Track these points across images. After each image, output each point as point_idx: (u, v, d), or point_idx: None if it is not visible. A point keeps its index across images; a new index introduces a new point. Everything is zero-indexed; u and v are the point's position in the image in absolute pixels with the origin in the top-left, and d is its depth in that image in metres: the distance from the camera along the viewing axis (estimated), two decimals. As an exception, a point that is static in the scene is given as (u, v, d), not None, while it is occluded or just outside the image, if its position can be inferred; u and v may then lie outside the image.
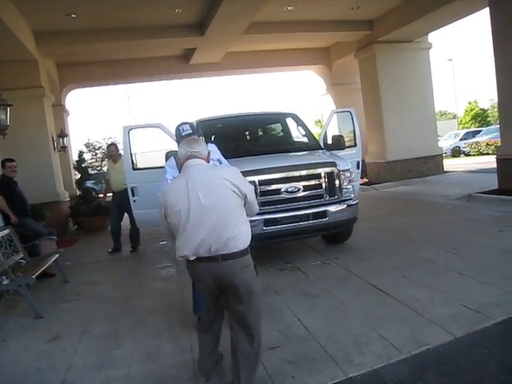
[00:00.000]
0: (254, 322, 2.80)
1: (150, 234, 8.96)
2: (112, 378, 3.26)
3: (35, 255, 6.21)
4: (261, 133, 7.96)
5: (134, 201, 6.45)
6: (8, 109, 6.46)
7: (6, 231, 5.85)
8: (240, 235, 2.68)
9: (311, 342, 3.49)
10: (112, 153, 8.07)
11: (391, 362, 3.06)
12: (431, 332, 3.42)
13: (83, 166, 12.47)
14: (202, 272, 2.75)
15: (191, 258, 2.71)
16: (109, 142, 14.37)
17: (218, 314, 3.03)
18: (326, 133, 6.93)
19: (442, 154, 14.42)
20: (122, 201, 7.35)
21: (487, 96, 41.73)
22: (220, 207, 2.65)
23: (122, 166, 7.43)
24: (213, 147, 4.44)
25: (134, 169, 6.50)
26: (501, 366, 2.89)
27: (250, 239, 2.77)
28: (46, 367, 3.55)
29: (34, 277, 4.89)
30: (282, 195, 5.51)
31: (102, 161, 16.65)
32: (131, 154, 6.47)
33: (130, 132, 6.44)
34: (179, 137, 3.95)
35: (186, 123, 4.02)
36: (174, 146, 6.36)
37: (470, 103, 40.78)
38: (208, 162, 2.94)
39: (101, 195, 8.57)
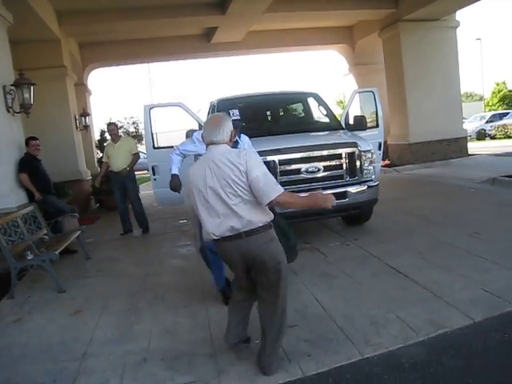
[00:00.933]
0: (283, 291, 2.88)
1: (170, 212, 9.07)
2: (131, 351, 3.34)
3: (58, 232, 6.35)
4: (282, 112, 7.90)
5: (155, 179, 6.51)
6: (31, 88, 6.51)
7: (31, 208, 5.98)
8: (255, 215, 2.74)
9: (328, 321, 3.50)
10: (112, 132, 7.74)
11: (408, 344, 3.05)
12: (450, 315, 3.40)
13: (105, 144, 12.61)
14: (230, 250, 2.84)
15: (215, 237, 2.81)
16: (130, 121, 14.49)
17: (250, 292, 3.06)
18: (347, 113, 6.83)
19: (466, 137, 14.08)
20: (124, 181, 7.37)
21: (516, 77, 40.60)
22: (226, 194, 2.72)
23: (124, 145, 7.44)
24: (245, 139, 4.42)
25: (155, 147, 6.55)
26: (520, 350, 2.86)
27: (270, 214, 2.82)
28: (68, 339, 3.66)
29: (57, 252, 5.01)
30: (302, 175, 5.49)
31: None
32: (152, 133, 6.51)
33: (151, 111, 6.47)
34: None
35: (235, 108, 4.10)
36: (194, 125, 6.39)
37: (497, 84, 39.63)
38: (231, 141, 2.94)
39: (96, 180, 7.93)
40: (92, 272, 5.61)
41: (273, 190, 2.68)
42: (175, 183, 4.70)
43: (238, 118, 4.08)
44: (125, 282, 5.02)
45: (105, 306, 4.32)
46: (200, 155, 3.95)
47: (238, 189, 2.70)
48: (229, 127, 2.89)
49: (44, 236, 5.87)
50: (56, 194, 7.17)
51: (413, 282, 4.14)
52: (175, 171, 4.70)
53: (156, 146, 6.58)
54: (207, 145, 2.90)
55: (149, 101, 28.83)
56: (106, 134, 12.25)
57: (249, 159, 2.71)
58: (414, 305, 3.63)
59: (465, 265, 4.44)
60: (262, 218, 2.77)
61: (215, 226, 2.78)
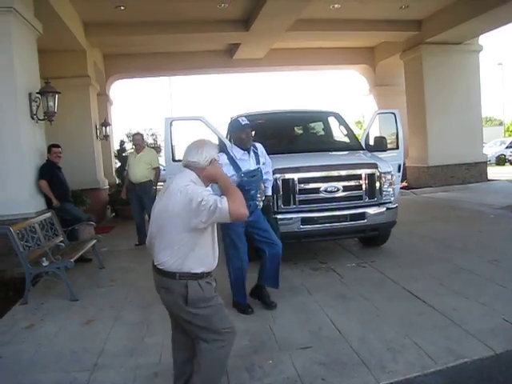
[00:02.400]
0: (208, 363, 2.55)
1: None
2: (142, 365, 3.30)
3: (74, 239, 6.37)
4: (302, 131, 7.89)
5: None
6: (56, 96, 6.61)
7: (48, 214, 6.02)
8: (183, 260, 2.43)
9: (343, 344, 3.42)
10: (137, 142, 7.72)
11: (426, 373, 2.97)
12: (469, 345, 3.30)
13: (124, 154, 12.70)
14: (155, 281, 2.60)
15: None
16: (149, 133, 14.60)
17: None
18: (368, 133, 6.79)
19: (486, 162, 13.92)
20: (142, 194, 7.38)
21: (537, 103, 40.12)
22: (163, 230, 2.46)
23: (145, 157, 7.48)
24: (260, 146, 4.52)
25: (174, 160, 6.57)
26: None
27: (198, 266, 2.47)
28: (79, 349, 3.63)
29: (72, 260, 5.02)
30: (321, 194, 5.44)
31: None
32: (172, 146, 6.54)
33: (172, 123, 6.51)
34: (239, 127, 4.19)
35: (242, 116, 4.24)
36: (214, 139, 6.40)
37: (518, 110, 39.22)
38: (207, 176, 2.54)
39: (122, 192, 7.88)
40: (105, 282, 5.61)
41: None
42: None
43: (248, 122, 4.14)
44: (138, 294, 4.99)
45: (117, 317, 4.29)
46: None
47: (178, 227, 2.39)
48: (211, 154, 2.53)
49: (60, 243, 5.89)
50: (73, 202, 7.23)
51: (430, 307, 4.05)
52: None
53: (175, 158, 6.61)
54: (184, 166, 2.60)
55: (168, 113, 29.12)
56: (126, 145, 12.36)
57: (193, 194, 2.35)
58: (431, 331, 3.54)
59: (484, 293, 4.33)
60: (188, 265, 2.43)
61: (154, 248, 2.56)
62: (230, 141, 6.84)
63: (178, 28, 10.61)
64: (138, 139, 7.79)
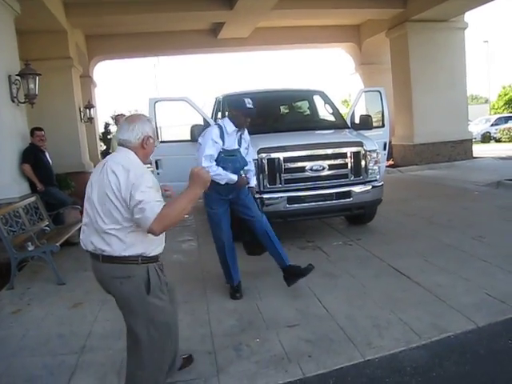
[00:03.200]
0: (146, 356, 2.44)
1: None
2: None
3: (59, 223, 6.32)
4: (287, 109, 7.85)
5: (158, 173, 6.48)
6: (37, 78, 6.47)
7: (33, 199, 5.95)
8: (120, 243, 2.27)
9: (330, 322, 3.46)
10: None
11: (410, 347, 3.03)
12: (453, 319, 3.36)
13: (109, 137, 12.57)
14: (92, 267, 2.46)
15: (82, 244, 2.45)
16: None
17: None
18: (353, 112, 6.78)
19: (471, 139, 14.01)
20: None
21: (523, 81, 40.41)
22: (97, 206, 2.31)
23: None
24: (247, 134, 4.39)
25: (160, 141, 6.51)
26: (524, 357, 2.82)
27: (142, 248, 2.31)
28: (67, 332, 3.63)
29: (58, 244, 4.98)
30: (307, 173, 5.45)
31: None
32: (156, 127, 6.47)
33: (156, 104, 6.43)
34: (244, 109, 4.03)
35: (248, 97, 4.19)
36: (199, 120, 6.35)
37: (504, 88, 39.42)
38: (144, 150, 2.42)
39: None
40: (92, 265, 5.57)
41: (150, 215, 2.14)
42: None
43: (252, 106, 4.04)
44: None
45: (104, 300, 4.25)
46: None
47: (113, 209, 2.24)
48: (142, 130, 2.37)
49: (45, 227, 5.85)
50: (58, 186, 7.15)
51: (415, 284, 4.11)
52: (233, 176, 4.04)
53: (160, 139, 6.55)
54: (118, 145, 2.44)
55: (154, 94, 28.80)
56: (110, 127, 12.21)
57: (136, 182, 2.18)
58: (416, 307, 3.60)
59: (468, 268, 4.40)
60: (129, 248, 2.27)
61: (83, 233, 2.42)
62: (223, 114, 6.77)
63: (162, 7, 10.40)
64: (120, 120, 7.63)
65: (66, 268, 5.29)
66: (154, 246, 2.37)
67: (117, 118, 7.83)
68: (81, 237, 2.44)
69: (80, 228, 2.54)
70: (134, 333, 2.43)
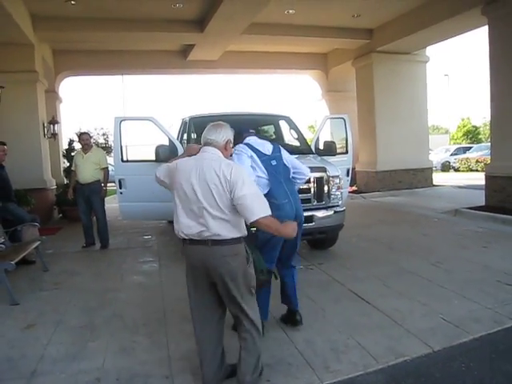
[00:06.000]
0: (249, 309, 2.82)
1: (135, 226, 8.92)
2: (84, 370, 3.20)
3: (17, 241, 6.11)
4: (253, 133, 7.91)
5: (121, 193, 6.40)
6: (-1, 90, 6.36)
7: (-12, 215, 5.75)
8: (226, 229, 2.70)
9: (289, 345, 3.46)
10: (84, 141, 7.40)
11: (368, 371, 3.05)
12: (409, 343, 3.42)
13: (72, 154, 12.31)
14: (193, 254, 2.79)
15: (183, 236, 2.80)
16: (101, 133, 14.24)
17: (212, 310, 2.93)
18: (318, 138, 6.91)
19: (431, 168, 14.50)
20: (90, 195, 7.15)
21: (480, 114, 42.19)
22: (204, 200, 2.68)
23: (93, 157, 7.26)
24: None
25: (124, 161, 6.45)
26: (475, 381, 2.89)
27: (242, 231, 2.77)
28: (17, 356, 3.47)
29: (13, 262, 4.80)
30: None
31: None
32: (121, 146, 6.41)
33: (122, 123, 6.38)
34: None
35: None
36: (165, 141, 6.33)
37: (462, 119, 41.12)
38: (227, 151, 2.91)
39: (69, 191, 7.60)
40: (49, 285, 5.40)
41: (261, 209, 2.64)
42: None
43: (253, 131, 4.05)
44: (83, 297, 4.85)
45: (60, 322, 4.15)
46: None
47: (218, 200, 2.65)
48: (227, 134, 2.89)
49: (1, 245, 5.64)
50: (17, 202, 6.94)
51: (374, 308, 4.16)
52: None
53: (124, 159, 6.49)
54: (203, 145, 2.88)
55: (121, 113, 28.54)
56: (75, 144, 11.98)
57: (237, 175, 2.66)
58: (374, 331, 3.65)
59: (426, 293, 4.50)
60: (232, 233, 2.71)
61: (186, 225, 2.74)
62: (188, 136, 6.74)
63: (131, 26, 10.40)
64: (85, 138, 7.46)
65: (21, 288, 5.12)
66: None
67: (80, 137, 7.64)
68: (181, 228, 2.78)
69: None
70: (238, 295, 2.77)
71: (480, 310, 4.00)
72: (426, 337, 3.50)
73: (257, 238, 3.36)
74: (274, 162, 3.64)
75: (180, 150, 6.28)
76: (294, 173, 3.85)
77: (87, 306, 4.54)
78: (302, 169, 3.92)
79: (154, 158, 6.11)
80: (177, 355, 3.35)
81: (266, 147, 3.73)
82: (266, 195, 3.37)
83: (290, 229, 2.78)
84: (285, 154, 3.81)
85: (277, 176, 3.61)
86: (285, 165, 3.72)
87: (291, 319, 3.80)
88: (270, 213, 2.66)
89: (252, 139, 3.81)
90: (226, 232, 2.69)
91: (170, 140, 6.26)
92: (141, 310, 4.42)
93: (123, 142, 6.49)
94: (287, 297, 3.84)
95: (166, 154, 6.14)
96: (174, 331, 3.81)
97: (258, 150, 3.66)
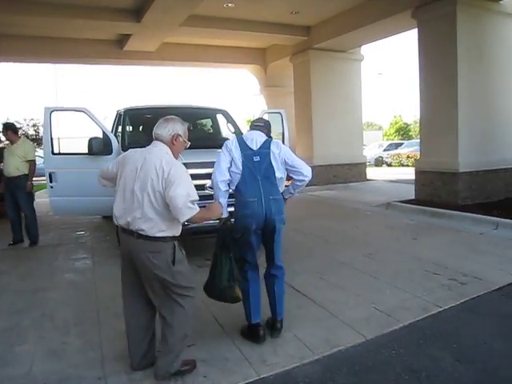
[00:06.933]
0: (167, 310, 2.89)
1: (67, 222, 8.56)
2: (9, 376, 3.01)
3: None
4: (190, 127, 7.82)
5: (52, 187, 6.10)
6: None
7: None
8: (156, 226, 2.74)
9: (226, 340, 3.45)
10: (8, 134, 6.92)
11: (304, 363, 3.10)
12: (344, 334, 3.51)
13: (1, 146, 11.60)
14: (123, 242, 2.91)
15: (117, 223, 2.90)
16: (30, 124, 13.48)
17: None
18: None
19: (365, 163, 15.00)
20: (15, 189, 6.77)
21: (411, 111, 44.19)
22: (139, 192, 2.75)
23: (18, 149, 6.84)
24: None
25: (54, 153, 6.15)
26: (405, 366, 3.01)
27: (174, 230, 2.83)
28: None
29: None
30: (206, 191, 5.42)
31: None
32: (52, 138, 6.11)
33: (52, 114, 6.08)
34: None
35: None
36: (98, 133, 6.11)
37: (395, 117, 42.91)
38: (174, 146, 2.94)
39: None
40: (-29, 286, 5.06)
41: (189, 211, 2.69)
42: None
43: (262, 124, 3.81)
44: (9, 298, 4.58)
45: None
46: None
47: (151, 195, 2.71)
48: (175, 129, 2.92)
49: None
50: None
51: (310, 300, 4.24)
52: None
53: (55, 151, 6.19)
54: (154, 139, 2.95)
55: (53, 103, 27.21)
56: (1, 135, 11.30)
57: (175, 174, 2.69)
58: (311, 323, 3.71)
59: (360, 284, 4.65)
60: (156, 229, 2.74)
61: (117, 213, 2.84)
62: (123, 128, 6.54)
63: (66, 12, 9.91)
64: (8, 130, 6.94)
65: None
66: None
67: (3, 132, 7.06)
68: (117, 214, 2.87)
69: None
70: (161, 293, 2.89)
71: (410, 299, 4.18)
72: (360, 326, 3.61)
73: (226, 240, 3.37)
74: (256, 158, 3.43)
75: (114, 143, 6.08)
76: (292, 172, 3.64)
77: (14, 308, 4.29)
78: (301, 168, 3.64)
79: (86, 150, 5.88)
80: (110, 355, 3.25)
81: (255, 142, 3.49)
82: (234, 190, 3.44)
83: (214, 210, 3.05)
84: (283, 151, 3.53)
85: (254, 172, 3.40)
86: (270, 163, 3.45)
87: (271, 326, 3.59)
88: (197, 210, 2.74)
89: (249, 133, 3.65)
90: (150, 228, 2.72)
91: (103, 132, 6.04)
92: (72, 309, 4.24)
93: (54, 134, 6.19)
94: (270, 303, 3.60)
95: (99, 147, 5.93)
96: (107, 330, 3.68)
97: (245, 144, 3.49)
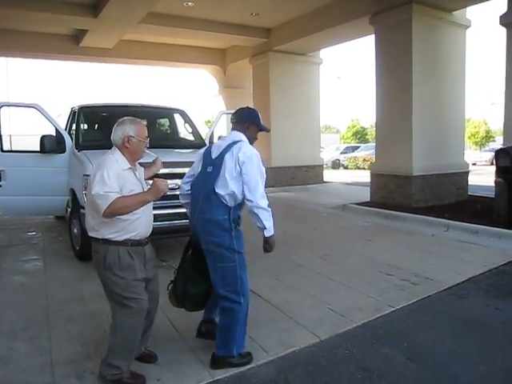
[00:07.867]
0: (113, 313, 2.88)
1: (17, 223, 8.25)
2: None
3: None
4: (147, 126, 7.72)
5: (1, 186, 5.87)
6: None
7: None
8: (93, 226, 2.76)
9: (180, 343, 3.42)
10: None
11: (258, 364, 3.11)
12: (299, 334, 3.56)
13: None
14: None
15: None
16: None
17: None
18: (212, 132, 6.94)
19: (322, 165, 15.22)
20: None
21: (368, 115, 45.38)
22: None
23: None
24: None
25: (3, 150, 5.93)
26: (358, 366, 3.07)
27: (106, 230, 2.70)
28: None
29: None
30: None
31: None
32: (0, 134, 5.88)
33: (2, 109, 5.85)
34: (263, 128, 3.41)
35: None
36: (51, 130, 5.93)
37: (352, 120, 43.92)
38: (127, 147, 2.80)
39: None
40: None
41: (102, 204, 2.55)
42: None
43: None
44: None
45: None
46: None
47: (87, 197, 2.88)
48: (125, 131, 2.80)
49: None
50: None
51: (266, 302, 4.27)
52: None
53: (5, 148, 5.97)
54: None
55: (3, 98, 26.16)
56: None
57: (95, 174, 2.66)
58: (266, 325, 3.73)
59: (315, 285, 4.72)
60: (90, 229, 2.77)
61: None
62: (77, 126, 6.31)
63: (17, 3, 9.51)
64: None
65: None
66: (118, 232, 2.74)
67: None
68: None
69: None
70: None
71: (363, 299, 4.29)
72: (314, 327, 3.66)
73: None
74: (209, 169, 3.04)
75: (68, 141, 5.92)
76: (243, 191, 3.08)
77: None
78: (251, 192, 3.09)
79: (38, 148, 5.70)
80: (61, 360, 3.15)
81: (218, 149, 3.09)
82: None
83: (158, 187, 2.72)
84: (241, 160, 2.97)
85: (200, 184, 3.08)
86: (218, 175, 2.98)
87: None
88: (112, 198, 2.54)
89: (228, 134, 3.34)
90: (88, 227, 2.79)
91: (56, 130, 5.86)
92: (21, 313, 4.07)
93: (4, 131, 5.97)
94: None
95: (52, 145, 5.76)
96: (58, 334, 3.57)
97: (210, 151, 3.17)
